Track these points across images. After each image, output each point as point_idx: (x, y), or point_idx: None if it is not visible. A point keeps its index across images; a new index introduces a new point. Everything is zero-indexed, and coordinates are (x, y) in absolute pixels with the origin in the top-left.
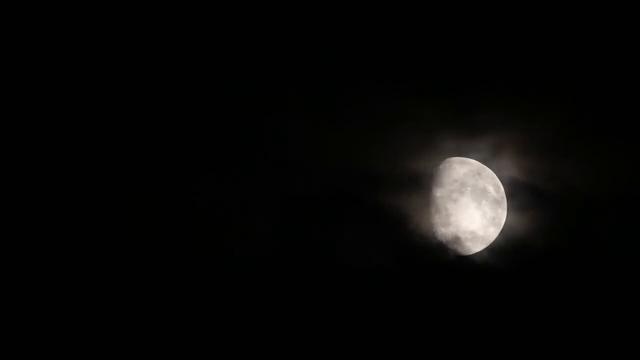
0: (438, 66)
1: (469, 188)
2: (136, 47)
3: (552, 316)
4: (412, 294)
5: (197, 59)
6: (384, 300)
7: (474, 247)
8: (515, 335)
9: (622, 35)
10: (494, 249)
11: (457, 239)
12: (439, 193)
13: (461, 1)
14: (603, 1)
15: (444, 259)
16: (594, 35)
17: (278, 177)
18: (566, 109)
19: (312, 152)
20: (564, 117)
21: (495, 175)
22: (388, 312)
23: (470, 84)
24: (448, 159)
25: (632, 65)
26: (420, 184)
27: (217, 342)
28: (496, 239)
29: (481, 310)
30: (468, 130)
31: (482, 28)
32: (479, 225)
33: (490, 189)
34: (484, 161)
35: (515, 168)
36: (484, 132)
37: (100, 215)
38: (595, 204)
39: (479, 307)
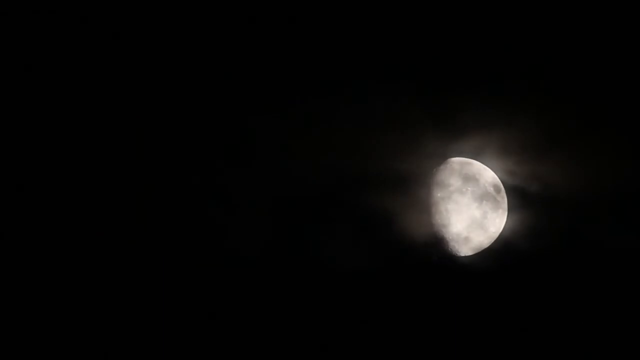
0: (431, 67)
1: (469, 189)
2: (127, 49)
3: (540, 317)
4: (406, 294)
5: (188, 58)
6: (376, 300)
7: (473, 247)
8: (504, 336)
9: (606, 36)
10: (492, 250)
11: (453, 239)
12: (439, 193)
13: (450, 4)
14: (584, 3)
15: (438, 259)
16: (582, 36)
17: (269, 178)
18: (556, 110)
19: (301, 153)
20: (554, 117)
21: (495, 175)
22: (380, 313)
23: (466, 85)
24: (449, 160)
25: (617, 66)
26: (416, 185)
27: (206, 341)
28: (496, 239)
29: (471, 312)
30: (466, 131)
31: (478, 29)
32: (478, 226)
33: (491, 189)
34: (483, 161)
35: (508, 169)
36: (481, 132)
37: (91, 212)
38: (583, 204)
39: (471, 308)
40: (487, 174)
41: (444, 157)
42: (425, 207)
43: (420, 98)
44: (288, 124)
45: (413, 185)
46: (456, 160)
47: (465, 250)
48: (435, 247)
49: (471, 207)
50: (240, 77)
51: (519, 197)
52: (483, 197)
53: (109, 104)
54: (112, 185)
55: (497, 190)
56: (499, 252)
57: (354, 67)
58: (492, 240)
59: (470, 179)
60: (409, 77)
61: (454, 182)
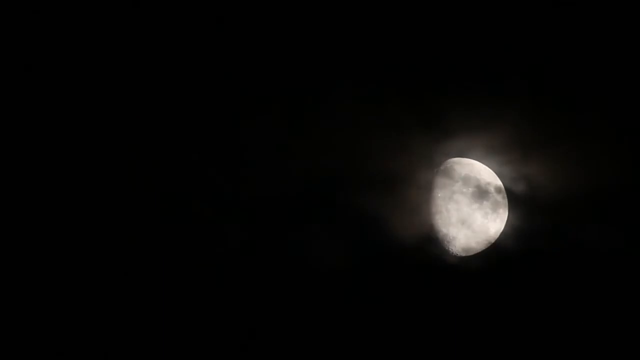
0: (421, 69)
1: (470, 189)
2: (122, 49)
3: (526, 317)
4: (401, 294)
5: (173, 61)
6: (369, 301)
7: (473, 248)
8: (493, 337)
9: (590, 37)
10: (490, 251)
11: (452, 239)
12: (439, 194)
13: (438, 5)
14: (568, 5)
15: (436, 259)
16: (571, 38)
17: (263, 179)
18: (544, 111)
19: (299, 153)
20: (541, 118)
21: (496, 175)
22: (373, 313)
23: (454, 86)
24: (450, 160)
25: (603, 67)
26: (413, 185)
27: (199, 341)
28: (495, 240)
29: (462, 312)
30: (456, 132)
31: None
32: (478, 226)
33: (491, 189)
34: (484, 161)
35: (495, 169)
36: (469, 134)
37: (82, 210)
38: (570, 205)
39: (463, 309)
40: (488, 175)
41: (441, 157)
42: (423, 208)
43: (411, 99)
44: (288, 125)
45: (409, 186)
46: (457, 161)
47: (464, 250)
48: (434, 247)
49: (471, 207)
50: (229, 78)
51: (505, 197)
52: (483, 197)
53: (100, 102)
54: (104, 182)
55: (498, 191)
56: (490, 252)
57: (347, 69)
58: (493, 241)
59: (470, 179)
60: (399, 78)
61: (455, 182)
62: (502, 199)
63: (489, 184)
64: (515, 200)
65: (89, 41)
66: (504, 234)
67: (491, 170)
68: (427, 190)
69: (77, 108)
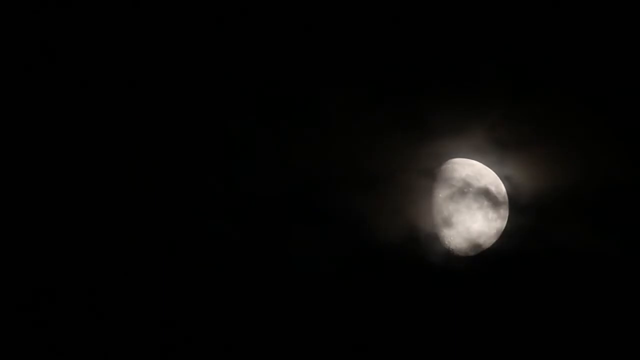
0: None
1: (470, 189)
2: (118, 49)
3: (525, 318)
4: (401, 295)
5: (169, 61)
6: (363, 301)
7: (469, 248)
8: (484, 338)
9: (571, 37)
10: (491, 250)
11: (451, 239)
12: (440, 194)
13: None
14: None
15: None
16: (553, 37)
17: (270, 176)
18: (530, 109)
19: (281, 153)
20: (527, 117)
21: (496, 175)
22: (367, 313)
23: (435, 86)
24: (450, 160)
25: (587, 66)
26: (412, 185)
27: (186, 342)
28: (494, 241)
29: (456, 313)
30: (464, 130)
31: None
32: (478, 226)
33: (491, 189)
34: (484, 162)
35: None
36: (481, 132)
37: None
38: (553, 207)
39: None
40: (487, 175)
41: (440, 158)
42: (420, 209)
43: (407, 99)
44: (286, 128)
45: (406, 187)
46: (457, 161)
47: (462, 251)
48: (430, 248)
49: (470, 208)
50: (217, 79)
51: (505, 198)
52: (483, 198)
53: (95, 101)
54: (100, 182)
55: (498, 192)
56: (489, 253)
57: (342, 71)
58: (492, 241)
59: (470, 179)
60: (392, 79)
61: (454, 183)
62: (502, 200)
63: (488, 184)
64: (514, 201)
65: (84, 41)
66: (503, 234)
67: (491, 171)
68: (424, 191)
69: (75, 107)
